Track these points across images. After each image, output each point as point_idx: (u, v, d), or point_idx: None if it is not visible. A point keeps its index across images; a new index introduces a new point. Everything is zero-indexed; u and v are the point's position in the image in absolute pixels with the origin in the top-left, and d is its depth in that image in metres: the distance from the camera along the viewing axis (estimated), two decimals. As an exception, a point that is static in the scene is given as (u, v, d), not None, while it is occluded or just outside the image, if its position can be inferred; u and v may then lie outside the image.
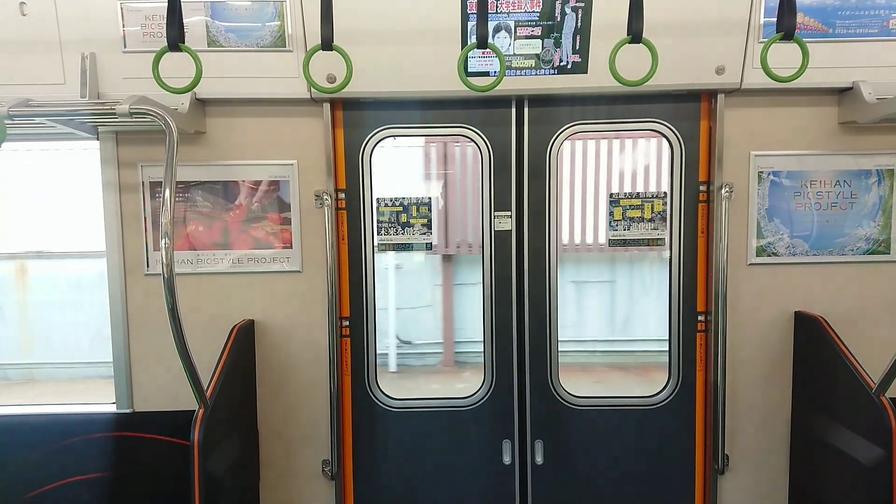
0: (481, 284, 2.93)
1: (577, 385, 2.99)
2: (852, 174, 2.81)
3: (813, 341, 2.73)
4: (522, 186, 2.87)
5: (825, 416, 2.68)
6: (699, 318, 2.89)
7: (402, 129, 2.85)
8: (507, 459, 2.96)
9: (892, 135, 2.78)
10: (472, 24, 2.55)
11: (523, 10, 2.59)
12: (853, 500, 2.49)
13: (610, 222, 2.91)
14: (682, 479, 2.96)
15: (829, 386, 2.65)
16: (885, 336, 2.73)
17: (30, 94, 2.34)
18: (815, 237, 2.84)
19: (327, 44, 2.23)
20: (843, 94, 2.73)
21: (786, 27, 2.20)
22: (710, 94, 2.77)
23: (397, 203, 2.92)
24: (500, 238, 2.89)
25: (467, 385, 3.01)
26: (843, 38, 2.65)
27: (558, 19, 2.59)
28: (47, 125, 2.54)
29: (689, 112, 2.81)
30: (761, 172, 2.80)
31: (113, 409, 2.85)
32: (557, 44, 2.62)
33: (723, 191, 2.70)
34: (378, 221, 2.91)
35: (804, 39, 2.23)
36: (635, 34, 2.21)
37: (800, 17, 2.44)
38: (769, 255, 2.84)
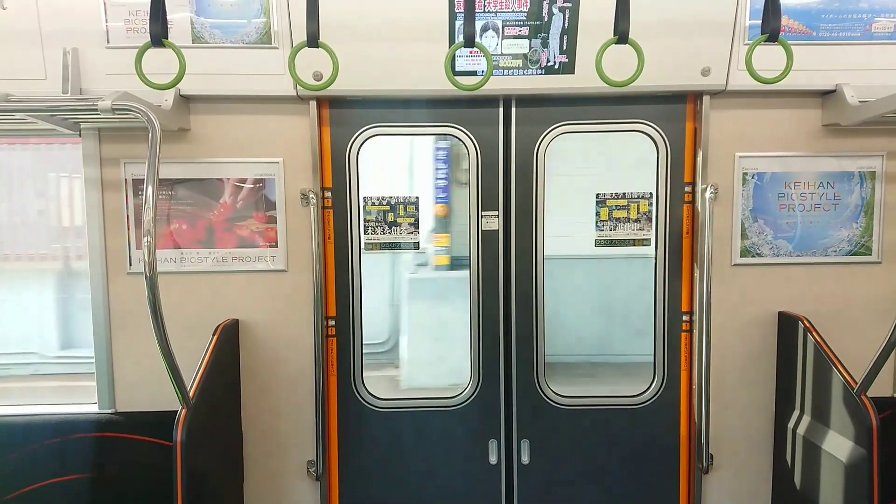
0: (468, 284, 2.93)
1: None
2: (835, 176, 2.84)
3: (796, 341, 2.76)
4: (510, 186, 2.87)
5: (808, 415, 2.70)
6: (684, 318, 2.91)
7: (388, 128, 2.84)
8: (493, 459, 2.96)
9: (875, 137, 2.82)
10: (459, 22, 2.55)
11: (511, 10, 2.59)
12: (835, 498, 2.52)
13: (596, 222, 2.92)
14: (666, 479, 2.98)
15: (811, 385, 2.67)
16: (866, 336, 2.76)
17: (9, 90, 2.30)
18: (798, 238, 2.87)
19: (313, 41, 2.22)
20: (827, 96, 2.76)
21: (770, 29, 2.22)
22: (696, 96, 2.79)
23: (384, 202, 2.91)
24: (488, 238, 2.89)
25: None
26: (827, 41, 2.68)
27: (546, 19, 2.60)
28: (28, 121, 2.50)
29: (674, 113, 2.83)
30: (746, 174, 2.83)
31: (95, 409, 2.81)
32: (545, 44, 2.62)
33: (708, 192, 2.72)
34: (365, 220, 2.90)
35: (788, 42, 2.25)
36: (622, 35, 2.21)
37: (784, 20, 2.46)
38: (753, 256, 2.86)
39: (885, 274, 2.87)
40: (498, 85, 2.64)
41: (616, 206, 2.90)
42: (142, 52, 2.19)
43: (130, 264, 2.77)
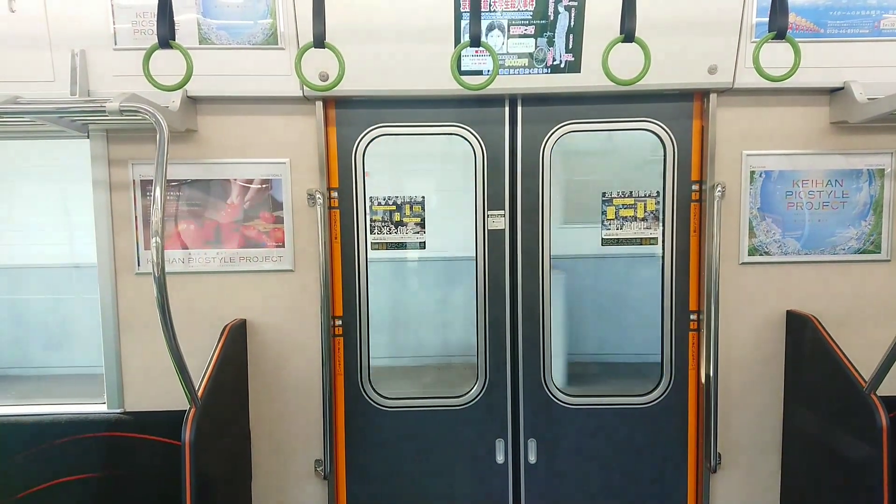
0: (474, 283, 2.92)
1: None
2: (843, 174, 2.82)
3: (805, 340, 2.74)
4: (516, 186, 2.87)
5: (817, 414, 2.69)
6: (692, 316, 2.90)
7: (394, 128, 2.84)
8: (500, 458, 2.96)
9: (883, 134, 2.80)
10: (465, 22, 2.55)
11: (516, 9, 2.59)
12: (844, 497, 2.50)
13: (603, 221, 2.91)
14: (674, 478, 2.97)
15: (820, 384, 2.66)
16: (875, 334, 2.74)
17: (18, 92, 2.31)
18: (806, 236, 2.85)
19: (319, 41, 2.22)
20: (835, 93, 2.74)
21: (778, 26, 2.21)
22: (703, 94, 2.77)
23: (390, 202, 2.91)
24: (494, 237, 2.89)
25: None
26: (835, 38, 2.66)
27: (551, 18, 2.59)
28: (37, 123, 2.52)
29: (681, 111, 2.82)
30: (753, 172, 2.81)
31: (104, 409, 2.83)
32: (550, 43, 2.62)
33: (715, 190, 2.71)
34: (371, 220, 2.90)
35: (796, 39, 2.24)
36: (628, 33, 2.21)
37: (791, 17, 2.45)
38: (761, 255, 2.85)
39: (894, 272, 2.85)
40: (504, 84, 2.64)
41: (623, 204, 2.90)
42: (149, 53, 2.20)
43: (139, 265, 2.78)
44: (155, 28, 2.18)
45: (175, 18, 2.24)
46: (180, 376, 2.26)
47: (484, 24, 2.58)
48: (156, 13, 2.16)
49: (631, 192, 2.89)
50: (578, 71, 2.64)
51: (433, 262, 4.38)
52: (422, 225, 2.92)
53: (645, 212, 2.89)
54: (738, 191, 2.81)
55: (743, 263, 2.85)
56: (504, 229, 2.88)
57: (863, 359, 2.50)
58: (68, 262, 4.01)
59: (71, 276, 4.10)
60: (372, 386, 2.95)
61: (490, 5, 2.58)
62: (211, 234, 2.82)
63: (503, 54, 2.63)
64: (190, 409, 2.35)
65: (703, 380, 2.85)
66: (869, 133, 2.79)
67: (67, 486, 2.78)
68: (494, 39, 2.61)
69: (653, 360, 2.99)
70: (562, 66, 2.64)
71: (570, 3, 2.57)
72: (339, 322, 2.91)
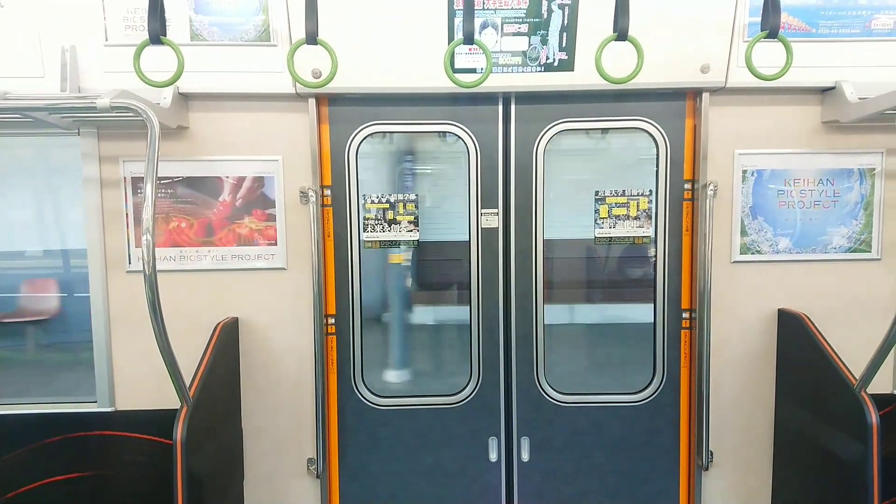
0: (468, 281, 2.92)
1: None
2: (835, 173, 2.84)
3: (796, 338, 2.76)
4: (509, 184, 2.87)
5: (808, 412, 2.71)
6: (684, 315, 2.91)
7: (388, 126, 2.84)
8: (493, 456, 2.96)
9: (874, 134, 2.82)
10: (458, 20, 2.54)
11: (510, 7, 2.59)
12: (835, 494, 2.52)
13: (595, 220, 2.92)
14: (666, 476, 2.98)
15: (811, 382, 2.67)
16: (866, 333, 2.76)
17: (7, 87, 2.29)
18: (798, 235, 2.87)
19: (312, 38, 2.22)
20: (826, 93, 2.76)
21: (770, 26, 2.22)
22: (695, 93, 2.78)
23: (384, 200, 2.90)
24: (487, 235, 2.89)
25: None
26: (827, 38, 2.68)
27: (545, 16, 2.59)
28: (26, 119, 2.50)
29: (674, 110, 2.83)
30: (745, 171, 2.83)
31: (95, 407, 2.81)
32: (544, 41, 2.62)
33: (707, 189, 2.72)
34: (364, 218, 2.89)
35: (788, 39, 2.25)
36: (621, 32, 2.21)
37: (783, 17, 2.46)
38: (753, 253, 2.86)
39: (885, 271, 2.87)
40: (497, 82, 2.64)
41: (615, 203, 2.90)
42: (140, 49, 2.19)
43: (130, 262, 2.77)
44: (146, 24, 2.16)
45: (166, 14, 2.23)
46: (172, 375, 2.25)
47: (477, 21, 2.57)
48: (147, 9, 2.15)
49: (624, 191, 2.90)
50: (572, 69, 2.64)
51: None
52: (415, 223, 2.91)
53: (638, 210, 2.90)
54: (730, 190, 2.83)
55: (735, 262, 2.86)
56: (497, 227, 2.88)
57: (853, 357, 2.52)
58: None
59: None
60: (365, 384, 2.95)
61: (483, 3, 2.58)
62: (202, 231, 2.81)
63: (497, 52, 2.62)
64: (181, 407, 2.34)
65: (695, 378, 2.86)
66: (860, 132, 2.81)
67: (59, 485, 2.76)
68: (488, 37, 2.61)
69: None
70: (555, 64, 2.64)
71: (564, 2, 2.57)
72: (331, 320, 2.90)
